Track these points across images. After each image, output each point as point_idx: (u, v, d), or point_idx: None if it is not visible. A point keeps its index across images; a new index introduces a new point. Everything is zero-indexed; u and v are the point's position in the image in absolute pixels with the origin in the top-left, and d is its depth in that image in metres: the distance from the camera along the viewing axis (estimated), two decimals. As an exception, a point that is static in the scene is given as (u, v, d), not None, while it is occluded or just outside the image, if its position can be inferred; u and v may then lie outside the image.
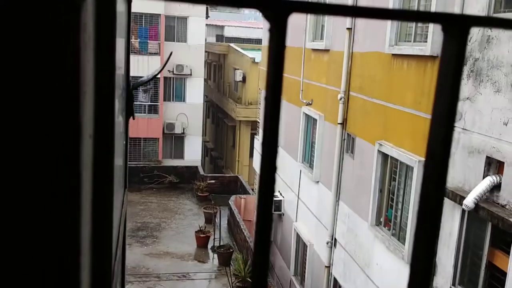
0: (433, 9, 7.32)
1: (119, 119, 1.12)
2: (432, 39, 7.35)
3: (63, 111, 0.40)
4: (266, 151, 0.38)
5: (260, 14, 0.40)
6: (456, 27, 0.37)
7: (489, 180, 5.90)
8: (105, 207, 0.61)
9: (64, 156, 0.41)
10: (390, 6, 8.55)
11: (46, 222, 0.44)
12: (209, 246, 17.58)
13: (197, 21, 26.11)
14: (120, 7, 1.08)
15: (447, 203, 6.78)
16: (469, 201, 5.96)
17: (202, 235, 17.52)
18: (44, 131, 0.40)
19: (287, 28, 0.37)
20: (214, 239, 17.36)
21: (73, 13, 0.38)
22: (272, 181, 0.41)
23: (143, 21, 25.13)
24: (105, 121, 0.58)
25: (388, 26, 8.62)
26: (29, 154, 0.42)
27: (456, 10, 6.78)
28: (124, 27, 1.39)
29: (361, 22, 9.95)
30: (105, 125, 0.58)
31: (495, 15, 6.21)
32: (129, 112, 1.45)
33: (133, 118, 1.51)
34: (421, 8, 8.01)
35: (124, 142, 1.46)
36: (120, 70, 1.24)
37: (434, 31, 7.32)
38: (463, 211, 6.38)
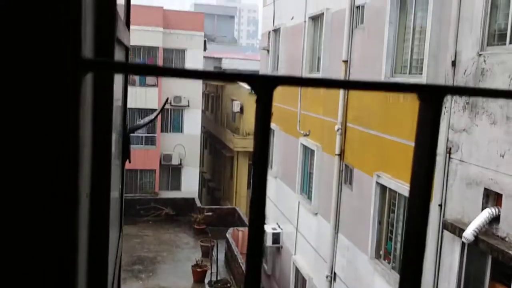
0: (427, 45, 7.46)
1: (115, 163, 1.14)
2: (428, 71, 7.47)
3: (62, 176, 0.42)
4: (253, 229, 0.40)
5: (249, 85, 0.42)
6: (431, 96, 0.40)
7: (488, 212, 5.89)
8: (100, 266, 0.62)
9: (61, 216, 0.43)
10: (384, 52, 8.70)
11: (41, 283, 0.45)
12: (206, 281, 17.29)
13: (195, 53, 26.48)
14: (118, 57, 1.11)
15: (447, 235, 6.74)
16: (468, 233, 5.93)
17: (198, 270, 17.25)
18: (42, 194, 0.42)
19: (272, 99, 0.40)
20: (211, 273, 17.09)
21: (73, 88, 0.41)
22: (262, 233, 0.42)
23: (142, 54, 25.48)
24: (102, 180, 0.60)
25: (384, 58, 8.77)
26: (28, 217, 0.44)
27: (450, 44, 6.91)
28: (122, 74, 1.42)
29: (357, 55, 10.12)
30: (102, 183, 0.60)
31: (488, 48, 6.33)
32: (125, 156, 1.47)
33: (129, 162, 1.52)
34: (416, 43, 8.17)
35: (120, 186, 1.47)
36: (117, 115, 1.27)
37: (429, 64, 7.44)
38: (463, 243, 6.34)
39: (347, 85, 0.40)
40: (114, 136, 0.95)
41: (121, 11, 1.36)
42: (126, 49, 1.38)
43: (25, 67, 0.39)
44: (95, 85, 0.57)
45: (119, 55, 1.03)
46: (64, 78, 0.39)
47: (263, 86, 0.38)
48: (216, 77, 0.38)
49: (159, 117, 25.61)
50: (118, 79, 1.16)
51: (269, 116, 0.39)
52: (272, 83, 0.37)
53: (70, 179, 0.41)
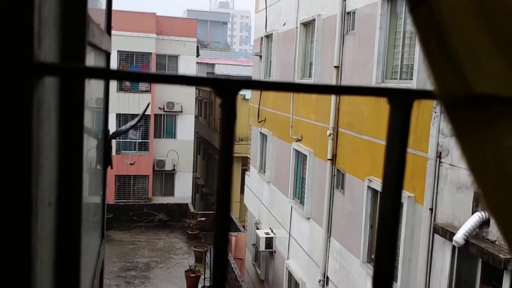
0: (417, 50, 7.50)
1: (96, 169, 1.12)
2: (418, 76, 7.50)
3: (12, 185, 0.40)
4: (218, 223, 0.38)
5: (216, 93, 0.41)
6: (401, 101, 0.39)
7: (478, 215, 5.91)
8: (72, 274, 0.60)
9: (12, 228, 0.41)
10: (375, 57, 8.75)
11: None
12: (200, 286, 17.22)
13: (188, 59, 26.48)
14: (98, 62, 1.09)
15: (438, 239, 6.76)
16: (458, 237, 5.95)
17: (192, 275, 17.18)
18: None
19: (236, 103, 0.39)
20: (204, 278, 17.03)
21: (25, 92, 0.39)
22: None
23: (135, 60, 25.44)
24: (72, 186, 0.58)
25: (375, 64, 8.80)
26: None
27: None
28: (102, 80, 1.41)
29: (348, 60, 10.16)
30: (72, 190, 0.58)
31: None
32: (107, 162, 1.45)
33: (111, 168, 1.51)
34: (406, 49, 8.21)
35: (102, 193, 1.45)
36: (98, 121, 1.25)
37: (419, 69, 7.48)
38: (454, 247, 6.36)
39: (314, 89, 0.39)
40: (92, 142, 0.94)
41: (101, 16, 1.35)
42: (107, 54, 1.36)
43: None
44: (62, 89, 0.55)
45: (96, 60, 1.02)
46: (13, 82, 0.38)
47: (226, 90, 0.37)
48: (177, 81, 0.37)
49: (152, 123, 25.56)
50: (97, 84, 1.15)
51: (233, 120, 0.38)
52: (234, 87, 0.36)
53: (21, 188, 0.40)
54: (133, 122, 3.00)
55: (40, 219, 0.46)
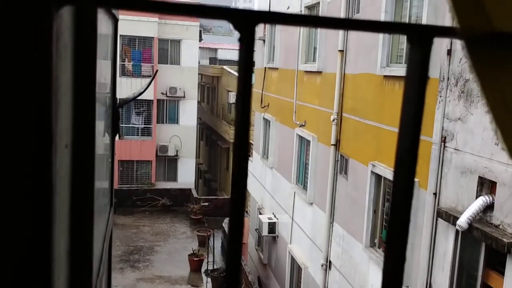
0: (424, 15, 7.38)
1: (105, 137, 1.12)
2: (422, 60, 7.44)
3: (33, 119, 0.40)
4: (237, 146, 0.38)
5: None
6: (420, 37, 0.38)
7: (482, 200, 5.90)
8: (85, 215, 0.61)
9: (34, 164, 0.41)
10: (380, 41, 8.67)
11: (14, 237, 0.44)
12: (203, 269, 17.37)
13: (190, 44, 26.35)
14: (105, 28, 1.09)
15: (441, 223, 6.77)
16: (462, 221, 5.95)
17: (195, 259, 17.33)
18: (12, 139, 0.40)
19: (255, 37, 0.38)
20: (207, 262, 17.17)
21: (44, 22, 0.39)
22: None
23: (137, 44, 25.33)
24: (85, 131, 0.58)
25: (380, 48, 8.74)
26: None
27: (447, 17, 6.88)
28: (110, 47, 1.40)
29: (353, 44, 10.09)
30: (85, 134, 0.58)
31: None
32: (115, 130, 1.45)
33: (119, 137, 1.51)
34: (414, 13, 8.14)
35: (110, 161, 1.45)
36: (106, 89, 1.25)
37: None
38: (457, 231, 6.37)
39: (335, 23, 0.38)
40: (101, 110, 0.93)
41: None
42: (115, 20, 1.35)
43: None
44: (77, 23, 0.55)
45: (107, 25, 1.01)
46: (33, 12, 0.37)
47: (245, 22, 0.36)
48: (191, 13, 0.36)
49: (155, 108, 25.53)
50: (106, 65, 1.14)
51: (251, 54, 0.38)
52: (254, 19, 0.36)
53: (42, 123, 0.40)
54: (141, 90, 3.00)
55: (59, 159, 0.46)
